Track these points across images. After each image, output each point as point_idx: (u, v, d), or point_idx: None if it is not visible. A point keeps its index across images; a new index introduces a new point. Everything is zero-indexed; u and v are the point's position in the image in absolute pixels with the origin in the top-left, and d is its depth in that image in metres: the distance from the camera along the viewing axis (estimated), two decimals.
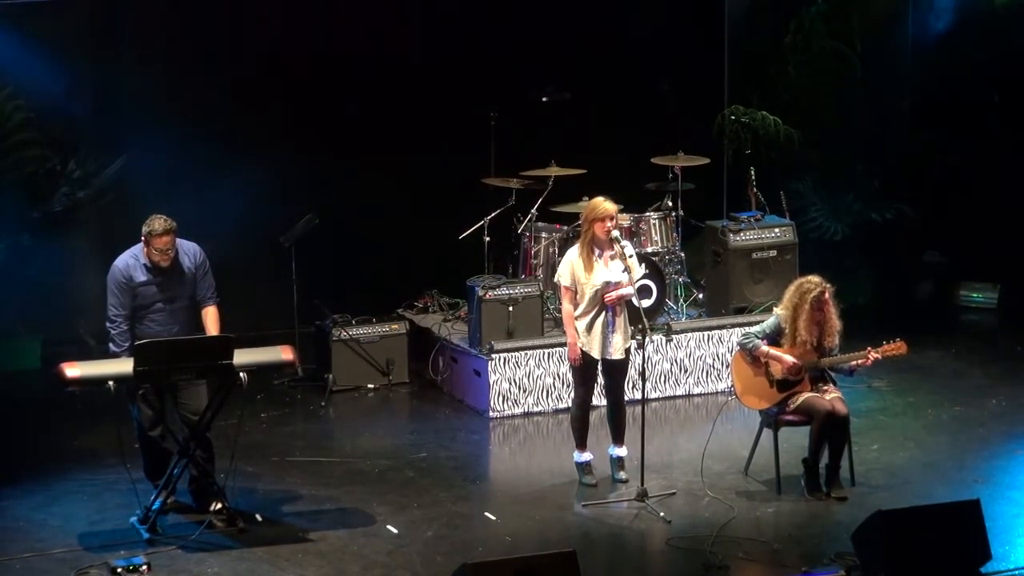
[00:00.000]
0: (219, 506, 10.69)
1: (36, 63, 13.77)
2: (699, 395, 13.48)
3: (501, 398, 13.04)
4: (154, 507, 10.54)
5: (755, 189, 14.27)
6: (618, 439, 11.40)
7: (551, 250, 13.57)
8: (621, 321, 11.12)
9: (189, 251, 10.77)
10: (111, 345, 10.66)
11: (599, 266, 11.08)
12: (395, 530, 10.62)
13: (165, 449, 10.77)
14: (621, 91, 15.50)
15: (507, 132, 14.49)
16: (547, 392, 13.13)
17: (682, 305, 13.95)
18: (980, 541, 9.66)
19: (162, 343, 10.30)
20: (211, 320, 10.79)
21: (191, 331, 10.70)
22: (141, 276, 10.63)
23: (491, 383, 13.00)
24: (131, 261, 10.67)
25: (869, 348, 11.06)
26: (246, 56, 14.60)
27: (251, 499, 11.03)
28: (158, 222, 10.56)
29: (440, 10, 15.00)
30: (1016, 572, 9.88)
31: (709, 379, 13.54)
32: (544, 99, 14.67)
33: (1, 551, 10.25)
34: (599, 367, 11.25)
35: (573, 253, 11.18)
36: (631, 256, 11.12)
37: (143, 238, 10.60)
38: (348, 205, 14.64)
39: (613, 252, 11.08)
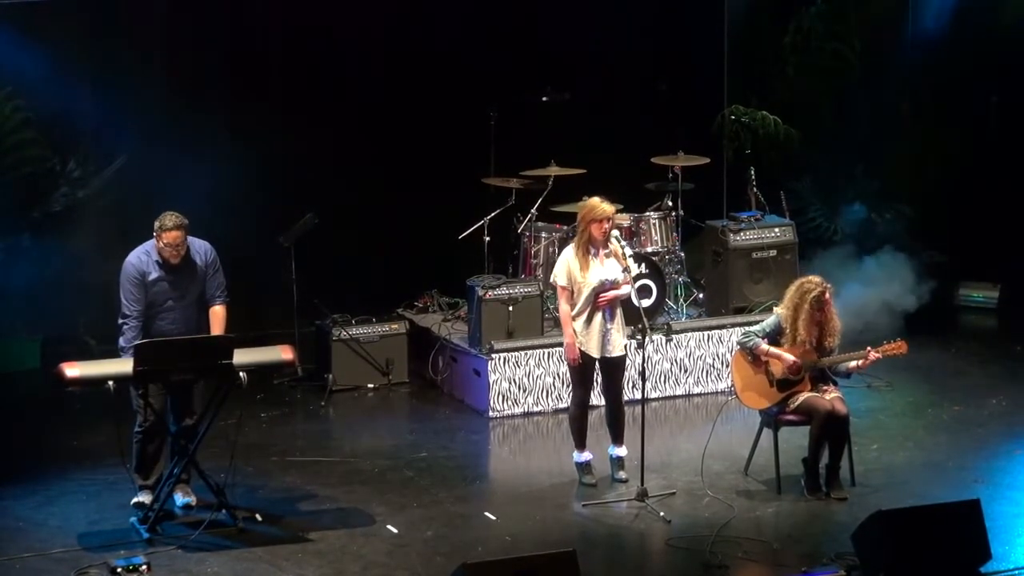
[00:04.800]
0: (191, 500, 10.77)
1: (36, 63, 13.76)
2: (699, 395, 13.48)
3: (501, 398, 13.04)
4: (154, 507, 10.54)
5: (755, 189, 14.27)
6: (617, 439, 11.39)
7: (551, 250, 13.57)
8: (618, 318, 11.12)
9: (200, 249, 10.75)
10: (121, 341, 10.57)
11: (595, 264, 11.07)
12: (395, 530, 10.62)
13: (161, 447, 10.76)
14: (621, 91, 15.50)
15: (507, 132, 14.48)
16: (547, 392, 13.12)
17: (682, 305, 13.95)
18: (980, 541, 9.67)
19: (161, 343, 10.29)
20: (217, 320, 10.76)
21: (200, 330, 10.66)
22: (154, 272, 10.61)
23: (491, 383, 12.99)
24: (143, 257, 10.63)
25: (869, 348, 11.07)
26: (246, 56, 14.59)
27: (251, 499, 11.03)
28: (169, 218, 10.54)
29: (440, 9, 14.99)
30: (1016, 572, 9.87)
31: (709, 379, 13.53)
32: (544, 99, 14.68)
33: (1, 551, 10.24)
34: (597, 366, 11.26)
35: (569, 252, 11.16)
36: (628, 255, 11.10)
37: (155, 233, 10.59)
38: (348, 205, 14.63)
39: (608, 250, 11.08)
